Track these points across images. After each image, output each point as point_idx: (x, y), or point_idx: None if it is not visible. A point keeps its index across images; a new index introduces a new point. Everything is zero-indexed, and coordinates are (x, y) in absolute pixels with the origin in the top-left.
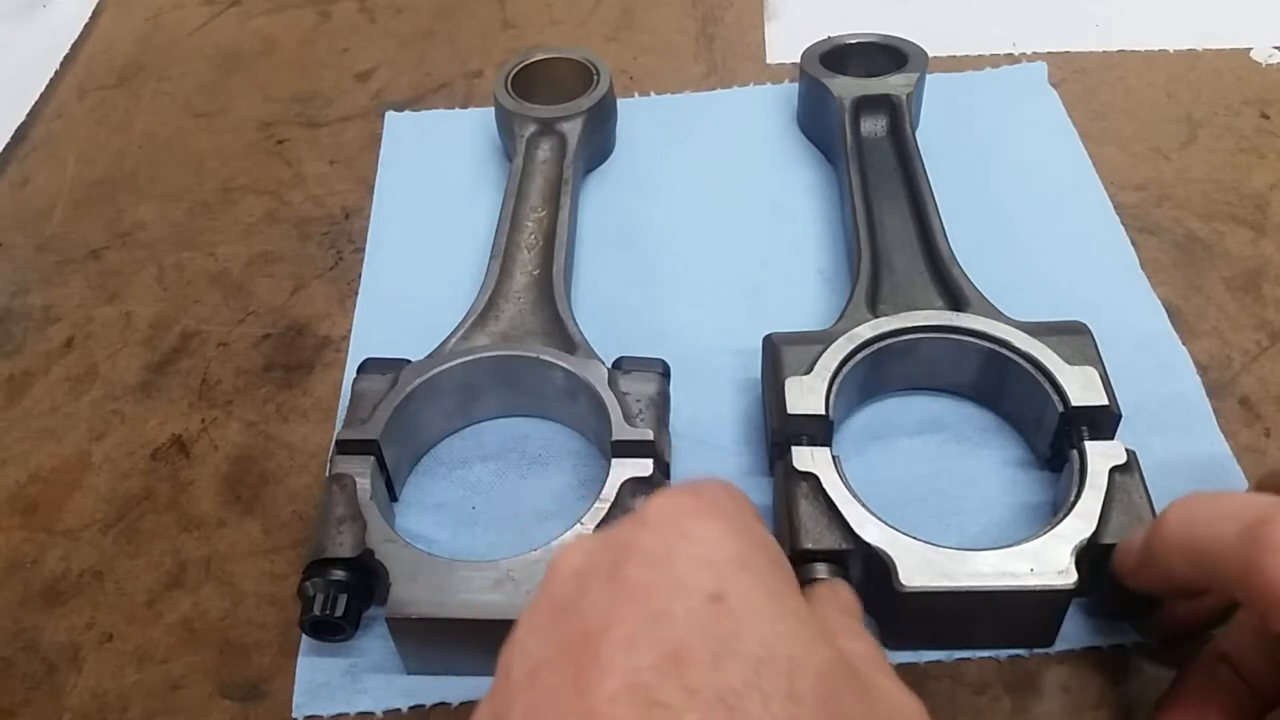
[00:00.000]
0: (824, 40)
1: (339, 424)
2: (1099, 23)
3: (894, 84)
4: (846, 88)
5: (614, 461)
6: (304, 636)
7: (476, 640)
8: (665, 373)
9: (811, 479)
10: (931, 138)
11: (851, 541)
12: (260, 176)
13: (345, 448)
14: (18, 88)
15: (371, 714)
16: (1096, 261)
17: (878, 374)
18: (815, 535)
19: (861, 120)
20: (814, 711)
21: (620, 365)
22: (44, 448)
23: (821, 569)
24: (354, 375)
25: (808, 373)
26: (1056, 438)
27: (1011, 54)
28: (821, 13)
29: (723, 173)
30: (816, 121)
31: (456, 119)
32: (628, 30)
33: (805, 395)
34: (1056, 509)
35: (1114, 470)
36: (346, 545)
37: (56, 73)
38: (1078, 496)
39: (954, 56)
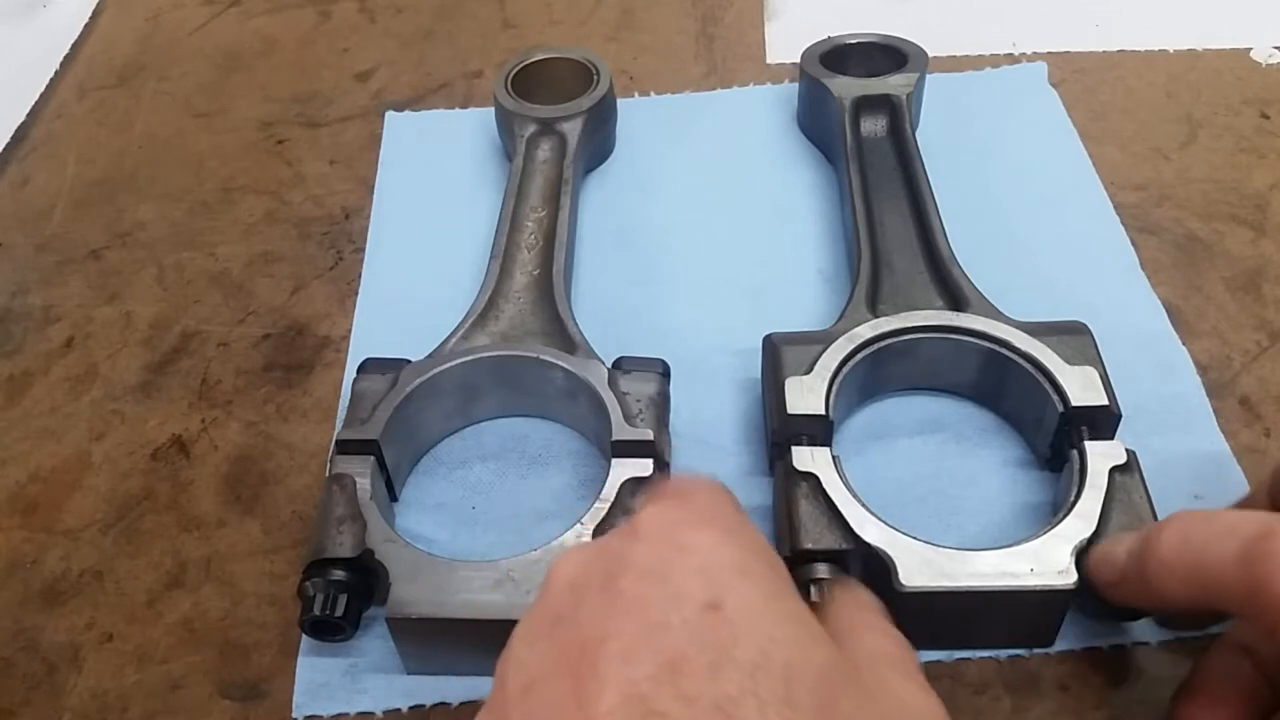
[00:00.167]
0: (824, 40)
1: (339, 424)
2: (1099, 23)
3: (894, 84)
4: (846, 88)
5: (614, 461)
6: (304, 636)
7: (476, 640)
8: (665, 373)
9: (811, 479)
10: (931, 138)
11: (851, 541)
12: (260, 176)
13: (345, 448)
14: (18, 88)
15: (371, 714)
16: (1096, 261)
17: (878, 374)
18: (815, 535)
19: (861, 120)
20: (811, 715)
21: (620, 365)
22: (44, 448)
23: (822, 569)
24: (354, 375)
25: (808, 373)
26: (1056, 438)
27: (1011, 54)
28: (821, 13)
29: (723, 173)
30: (816, 121)
31: (456, 119)
32: (628, 30)
33: (805, 395)
34: (1056, 509)
35: (1114, 470)
36: (346, 545)
37: (56, 73)
38: (1078, 496)
39: (954, 56)
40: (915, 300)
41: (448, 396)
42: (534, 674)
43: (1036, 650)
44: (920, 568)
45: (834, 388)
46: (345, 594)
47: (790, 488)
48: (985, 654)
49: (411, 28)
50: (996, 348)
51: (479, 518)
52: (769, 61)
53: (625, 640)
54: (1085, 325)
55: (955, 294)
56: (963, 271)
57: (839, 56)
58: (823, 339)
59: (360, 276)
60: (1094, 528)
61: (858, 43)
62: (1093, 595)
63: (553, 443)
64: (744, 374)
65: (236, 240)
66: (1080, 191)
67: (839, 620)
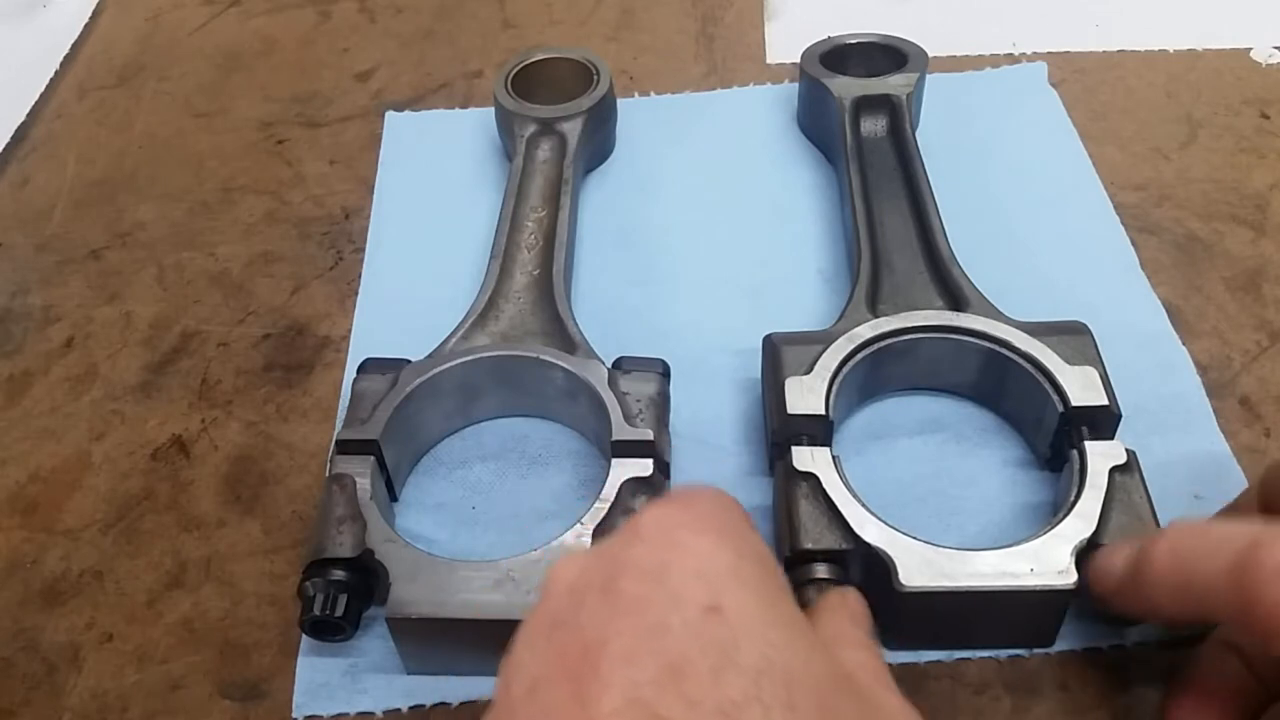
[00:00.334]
0: (824, 40)
1: (339, 424)
2: (1099, 23)
3: (894, 84)
4: (846, 88)
5: (614, 461)
6: (304, 636)
7: (476, 640)
8: (665, 373)
9: (811, 479)
10: (931, 138)
11: (851, 541)
12: (260, 176)
13: (345, 448)
14: (18, 88)
15: (371, 714)
16: (1096, 261)
17: (878, 374)
18: (815, 535)
19: (861, 120)
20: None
21: (620, 365)
22: (44, 448)
23: (822, 569)
24: (354, 375)
25: (808, 373)
26: (1056, 438)
27: (1011, 54)
28: (821, 13)
29: (723, 173)
30: (816, 121)
31: (456, 119)
32: (628, 30)
33: (805, 395)
34: (1056, 509)
35: (1114, 470)
36: (346, 545)
37: (56, 73)
38: (1078, 496)
39: (954, 56)
40: (915, 300)
41: (448, 396)
42: (536, 677)
43: (1036, 650)
44: (920, 568)
45: (834, 388)
46: (345, 594)
47: (790, 488)
48: (985, 654)
49: (411, 28)
50: (996, 348)
51: (479, 518)
52: (769, 61)
53: (626, 641)
54: (1085, 325)
55: (955, 294)
56: (963, 271)
57: (839, 56)
58: (823, 339)
59: (360, 276)
60: (1094, 528)
61: (858, 43)
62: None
63: (553, 443)
64: (744, 374)
65: (236, 240)
66: (1080, 191)
67: (828, 629)
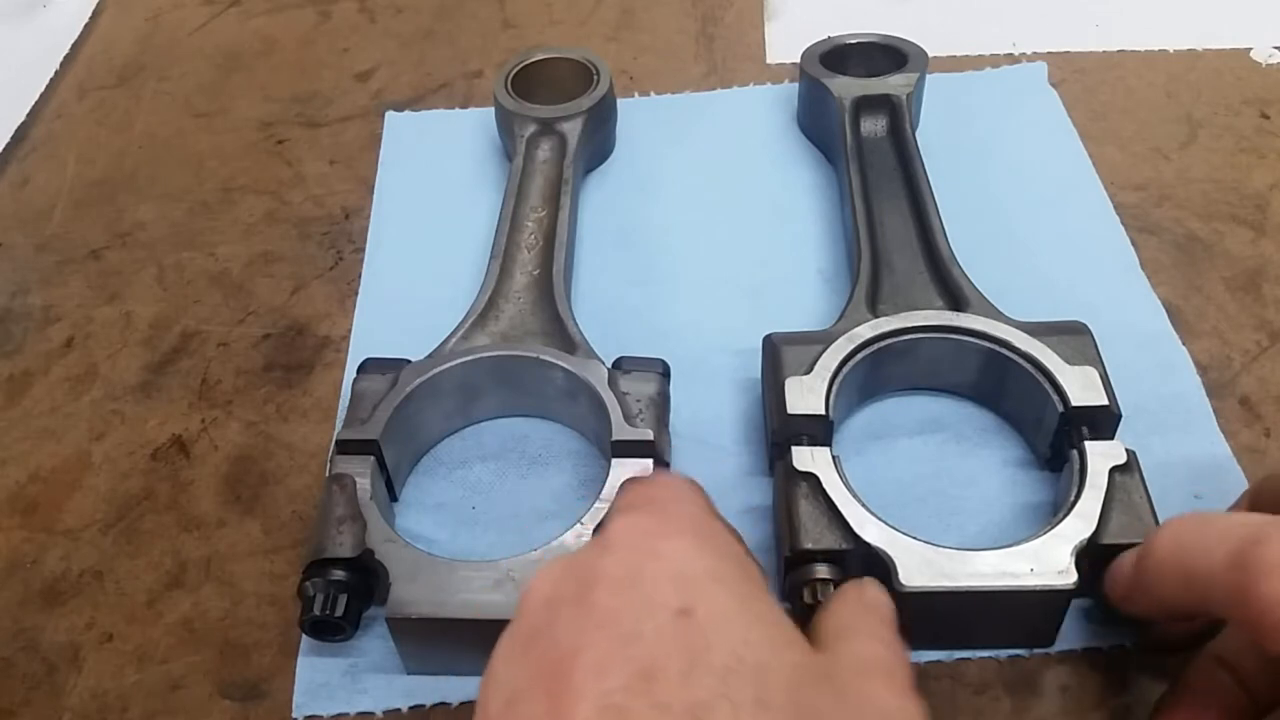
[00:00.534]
0: (824, 40)
1: (339, 424)
2: (1099, 23)
3: (894, 84)
4: (846, 88)
5: (614, 461)
6: (304, 636)
7: (476, 640)
8: (665, 373)
9: (811, 479)
10: (931, 138)
11: (851, 541)
12: (260, 176)
13: (345, 448)
14: (18, 88)
15: (371, 714)
16: (1096, 261)
17: (878, 374)
18: (815, 535)
19: (861, 120)
20: (785, 714)
21: (620, 365)
22: (44, 448)
23: (822, 569)
24: (354, 375)
25: (808, 373)
26: (1056, 438)
27: (1011, 54)
28: (821, 13)
29: (723, 173)
30: (816, 121)
31: (456, 119)
32: (628, 30)
33: (805, 395)
34: (1056, 509)
35: (1114, 470)
36: (346, 545)
37: (56, 73)
38: (1078, 496)
39: (954, 56)
40: (915, 300)
41: (448, 396)
42: (513, 691)
43: (1036, 650)
44: (920, 568)
45: (834, 388)
46: (345, 594)
47: (790, 488)
48: (985, 654)
49: (411, 28)
50: (996, 348)
51: (479, 518)
52: (769, 61)
53: (599, 652)
54: (1085, 325)
55: (955, 294)
56: (963, 271)
57: (839, 56)
58: (823, 339)
59: (360, 276)
60: (1094, 528)
61: (858, 43)
62: (1107, 606)
63: (553, 443)
64: (744, 374)
65: (236, 240)
66: (1080, 191)
67: (836, 619)
